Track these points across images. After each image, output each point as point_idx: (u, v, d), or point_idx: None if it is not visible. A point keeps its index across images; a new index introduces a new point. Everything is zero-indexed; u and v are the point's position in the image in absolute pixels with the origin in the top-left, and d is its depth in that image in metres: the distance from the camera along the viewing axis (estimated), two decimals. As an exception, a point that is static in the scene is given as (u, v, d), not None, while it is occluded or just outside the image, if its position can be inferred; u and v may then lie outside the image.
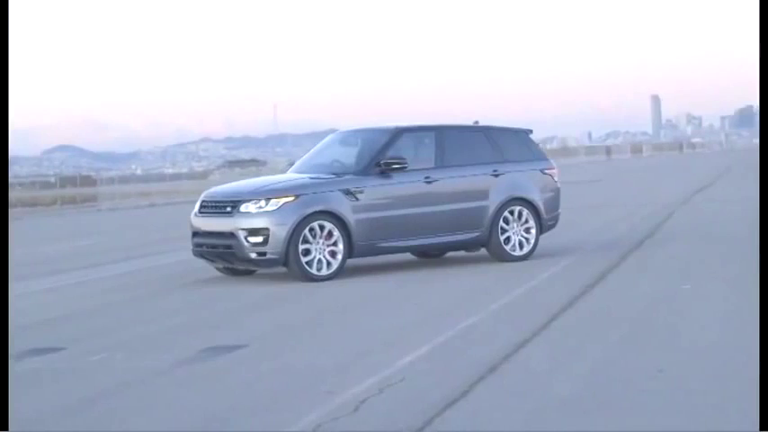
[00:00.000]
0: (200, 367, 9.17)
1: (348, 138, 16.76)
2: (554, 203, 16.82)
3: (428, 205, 15.66)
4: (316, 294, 13.54)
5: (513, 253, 16.18)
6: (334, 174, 15.54)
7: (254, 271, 15.83)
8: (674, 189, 36.91)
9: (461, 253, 17.04)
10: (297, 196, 14.86)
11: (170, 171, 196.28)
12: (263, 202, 14.81)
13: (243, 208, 14.86)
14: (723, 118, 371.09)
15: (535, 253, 16.38)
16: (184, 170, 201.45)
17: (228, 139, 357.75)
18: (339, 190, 15.11)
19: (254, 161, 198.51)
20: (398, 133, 15.92)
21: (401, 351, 9.34)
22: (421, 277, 14.85)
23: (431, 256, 17.01)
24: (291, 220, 14.69)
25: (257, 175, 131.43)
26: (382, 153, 15.58)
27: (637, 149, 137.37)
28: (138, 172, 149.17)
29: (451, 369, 8.54)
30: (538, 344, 9.47)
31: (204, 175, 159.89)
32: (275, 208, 14.74)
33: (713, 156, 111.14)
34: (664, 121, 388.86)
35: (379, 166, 15.45)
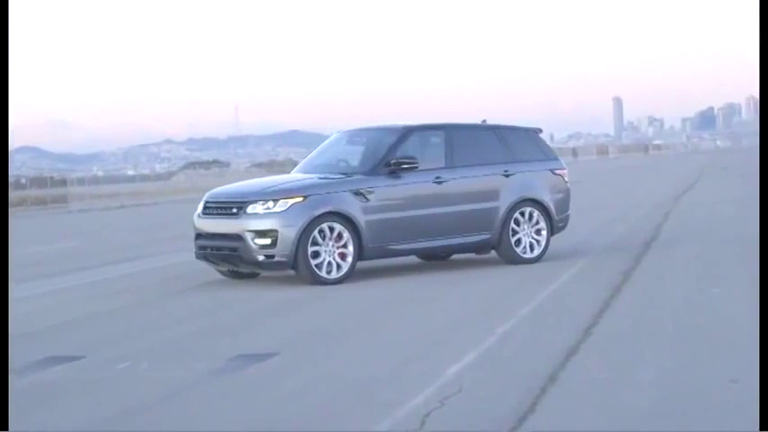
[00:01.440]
0: (237, 377, 8.68)
1: (354, 137, 16.26)
2: (564, 204, 16.43)
3: (438, 206, 15.22)
4: (329, 298, 13.07)
5: (523, 255, 15.76)
6: (342, 174, 15.06)
7: (257, 274, 15.32)
8: (658, 190, 36.70)
9: (466, 255, 16.57)
10: (305, 197, 14.38)
11: (132, 173, 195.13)
12: (270, 203, 14.31)
13: (250, 209, 14.35)
14: (684, 120, 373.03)
15: (544, 256, 15.95)
16: (146, 171, 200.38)
17: (190, 141, 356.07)
18: (348, 190, 14.64)
19: (216, 162, 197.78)
20: (407, 132, 15.46)
21: (445, 358, 8.90)
22: (434, 281, 14.40)
23: (437, 258, 16.54)
24: (300, 222, 14.21)
25: (221, 176, 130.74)
26: (391, 153, 15.11)
27: (602, 151, 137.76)
28: (100, 173, 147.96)
29: (508, 379, 8.09)
30: (589, 351, 9.03)
31: (168, 176, 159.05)
32: (284, 209, 14.24)
33: (680, 157, 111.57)
34: (625, 123, 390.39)
35: (389, 166, 14.98)
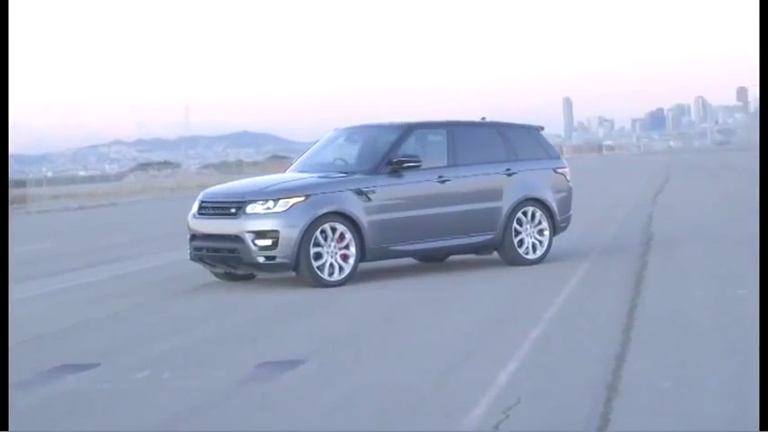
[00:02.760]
0: (271, 386, 8.18)
1: (352, 135, 15.74)
2: (566, 204, 16.03)
3: (442, 206, 14.75)
4: (338, 302, 12.59)
5: (526, 256, 15.33)
6: (343, 173, 14.56)
7: (253, 276, 14.79)
8: (630, 191, 36.48)
9: (462, 256, 16.10)
10: (307, 196, 13.86)
11: (83, 173, 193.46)
12: (271, 203, 13.77)
13: (249, 209, 13.81)
14: (634, 121, 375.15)
15: (546, 257, 15.53)
16: (96, 172, 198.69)
17: (140, 142, 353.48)
18: (350, 190, 14.14)
19: (167, 163, 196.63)
20: (409, 130, 14.97)
21: (488, 366, 8.46)
22: (440, 283, 13.94)
23: (434, 259, 16.06)
24: (302, 222, 13.69)
25: (173, 177, 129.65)
26: (393, 151, 14.63)
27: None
28: (50, 174, 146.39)
29: (565, 388, 7.64)
30: (637, 356, 8.60)
31: (119, 177, 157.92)
32: (285, 209, 13.72)
33: (635, 158, 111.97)
34: (576, 124, 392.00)
35: (391, 164, 14.49)
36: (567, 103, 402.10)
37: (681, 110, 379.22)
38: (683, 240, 17.57)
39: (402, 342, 9.80)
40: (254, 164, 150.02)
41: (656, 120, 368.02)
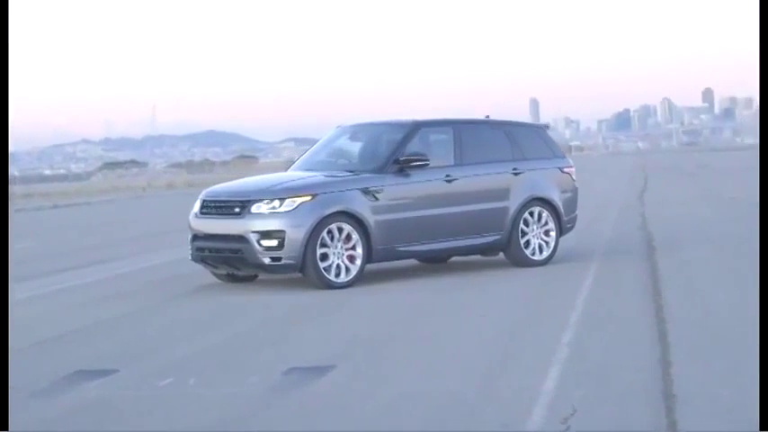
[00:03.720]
0: (307, 394, 7.83)
1: (356, 133, 15.38)
2: (572, 204, 15.74)
3: (449, 206, 14.42)
4: (351, 304, 12.24)
5: (532, 257, 15.02)
6: (349, 171, 14.20)
7: (255, 277, 14.41)
8: (612, 191, 36.34)
9: (466, 258, 15.76)
10: (313, 195, 13.49)
11: (50, 172, 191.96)
12: (276, 202, 13.40)
13: (254, 208, 13.42)
14: (600, 121, 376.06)
15: (549, 259, 15.23)
16: (62, 171, 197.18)
17: (106, 141, 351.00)
18: (357, 189, 13.78)
19: (134, 162, 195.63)
20: (416, 128, 14.63)
21: (529, 372, 8.17)
22: (450, 285, 13.61)
23: (437, 261, 15.72)
24: (309, 222, 13.32)
25: (140, 175, 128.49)
26: (401, 149, 14.28)
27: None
28: (16, 173, 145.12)
29: (619, 396, 7.32)
30: (682, 362, 8.28)
31: (86, 176, 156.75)
32: (291, 208, 13.35)
33: (605, 159, 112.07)
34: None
35: (398, 163, 14.14)
36: (534, 103, 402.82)
37: (647, 111, 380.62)
38: (685, 241, 17.31)
39: (430, 347, 9.46)
40: (224, 164, 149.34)
41: (621, 121, 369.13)
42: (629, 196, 31.47)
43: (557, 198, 15.36)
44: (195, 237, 14.08)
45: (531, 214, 15.08)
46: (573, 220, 15.77)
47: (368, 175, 14.01)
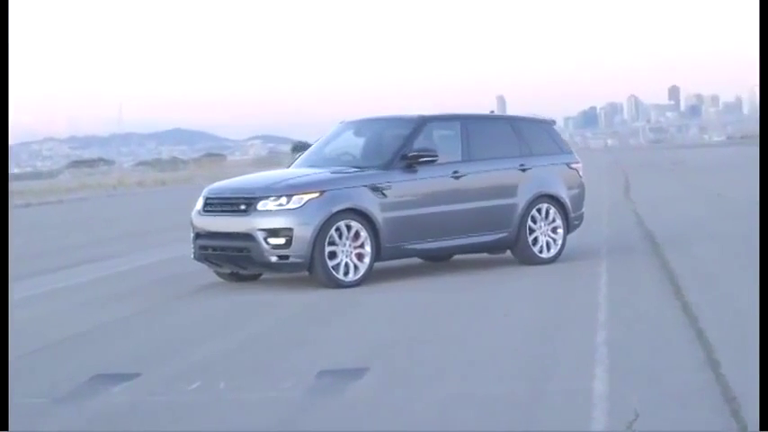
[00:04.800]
0: (348, 398, 7.50)
1: (361, 128, 15.03)
2: (579, 201, 15.47)
3: (457, 203, 14.10)
4: (366, 304, 11.91)
5: (540, 255, 14.72)
6: (356, 168, 13.85)
7: (259, 276, 14.06)
8: (596, 188, 35.78)
9: (465, 256, 15.42)
10: (321, 192, 13.14)
11: (18, 171, 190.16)
12: (284, 199, 13.04)
13: (261, 206, 13.06)
14: (567, 119, 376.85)
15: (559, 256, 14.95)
16: (29, 170, 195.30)
17: (72, 139, 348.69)
18: (365, 185, 13.44)
19: (101, 160, 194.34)
20: (423, 123, 14.30)
21: (574, 374, 7.88)
22: (460, 284, 13.31)
23: (440, 259, 15.37)
24: (317, 220, 12.97)
25: (108, 174, 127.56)
26: (408, 145, 13.95)
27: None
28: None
29: (677, 399, 7.03)
30: (731, 363, 7.96)
31: (53, 174, 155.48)
32: (299, 206, 12.99)
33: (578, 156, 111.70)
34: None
35: (406, 159, 13.81)
36: (501, 101, 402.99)
37: (613, 108, 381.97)
38: (688, 239, 17.02)
39: (461, 349, 9.13)
40: (191, 161, 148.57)
41: (588, 118, 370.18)
42: (615, 194, 31.22)
43: (564, 195, 15.09)
44: (198, 235, 13.70)
45: (539, 211, 14.80)
46: (580, 218, 15.51)
47: (375, 171, 13.67)
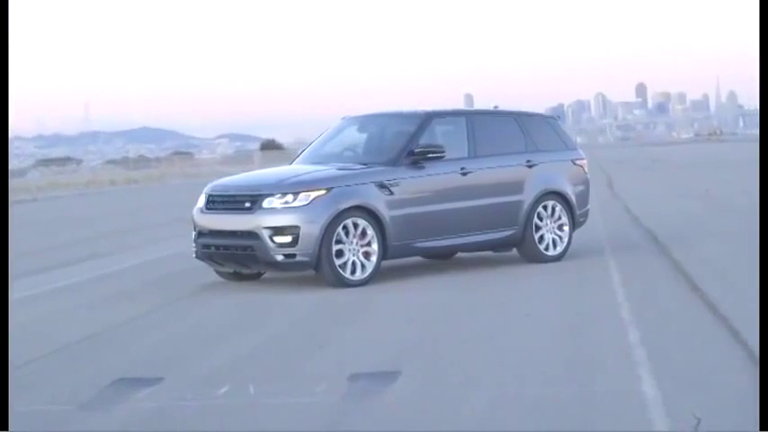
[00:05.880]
0: (385, 401, 7.23)
1: (365, 124, 14.73)
2: (585, 198, 15.25)
3: (464, 200, 13.85)
4: (378, 304, 11.64)
5: (546, 253, 14.50)
6: (361, 164, 13.56)
7: (260, 275, 13.76)
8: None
9: (471, 255, 15.18)
10: (328, 189, 12.84)
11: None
12: (290, 197, 12.73)
13: (266, 203, 12.75)
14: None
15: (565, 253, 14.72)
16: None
17: (39, 138, 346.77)
18: (372, 182, 13.15)
19: (69, 159, 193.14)
20: (429, 118, 14.04)
21: (617, 376, 7.66)
22: (470, 283, 13.05)
23: (442, 257, 15.09)
24: (324, 217, 12.68)
25: (77, 172, 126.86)
26: (414, 141, 13.68)
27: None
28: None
29: (734, 401, 6.80)
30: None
31: (21, 173, 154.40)
32: (305, 203, 12.69)
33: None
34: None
35: (413, 155, 13.54)
36: (469, 98, 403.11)
37: (581, 106, 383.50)
38: (689, 236, 16.78)
39: (491, 349, 8.87)
40: (161, 160, 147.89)
41: (555, 115, 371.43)
42: (601, 192, 30.99)
43: (570, 191, 14.87)
44: (200, 233, 13.38)
45: (545, 208, 14.58)
46: (585, 215, 15.30)
47: (381, 167, 13.39)
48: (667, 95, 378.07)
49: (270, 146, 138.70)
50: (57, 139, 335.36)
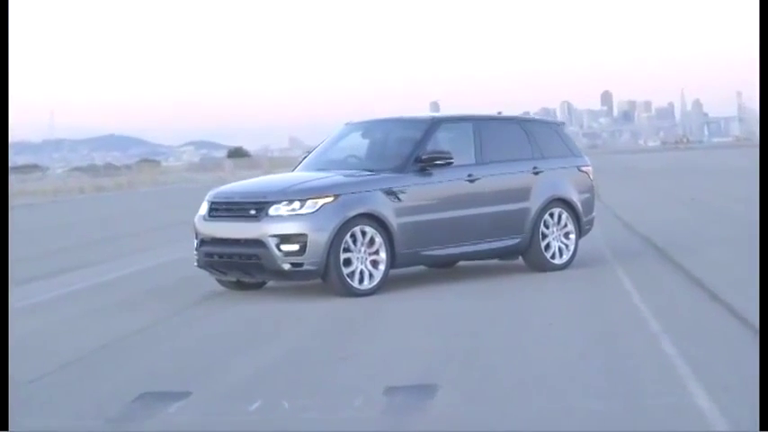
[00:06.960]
0: (430, 416, 6.99)
1: (369, 130, 14.43)
2: (590, 205, 15.03)
3: (472, 207, 13.59)
4: (392, 313, 11.40)
5: (553, 261, 14.26)
6: (368, 171, 13.28)
7: (263, 284, 13.46)
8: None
9: (473, 263, 14.91)
10: (336, 196, 12.54)
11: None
12: (297, 204, 12.42)
13: (272, 211, 12.43)
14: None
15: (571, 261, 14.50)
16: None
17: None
18: (379, 189, 12.87)
19: (35, 167, 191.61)
20: (435, 124, 13.78)
21: (666, 388, 7.41)
22: (481, 292, 12.78)
23: (445, 265, 14.80)
24: (332, 225, 12.38)
25: (42, 179, 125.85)
26: (422, 147, 13.41)
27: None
28: None
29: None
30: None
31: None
32: (313, 210, 12.38)
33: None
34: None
35: (421, 161, 13.26)
36: (435, 107, 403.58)
37: (547, 114, 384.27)
38: (688, 244, 16.57)
39: (525, 360, 8.62)
40: (128, 168, 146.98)
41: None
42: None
43: (576, 198, 14.65)
44: (203, 241, 13.04)
45: (552, 216, 14.34)
46: (591, 222, 15.08)
47: (389, 174, 13.12)
48: (633, 104, 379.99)
49: (237, 153, 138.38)
50: (22, 147, 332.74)
